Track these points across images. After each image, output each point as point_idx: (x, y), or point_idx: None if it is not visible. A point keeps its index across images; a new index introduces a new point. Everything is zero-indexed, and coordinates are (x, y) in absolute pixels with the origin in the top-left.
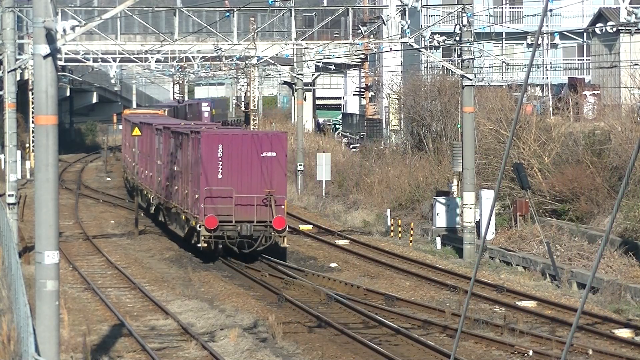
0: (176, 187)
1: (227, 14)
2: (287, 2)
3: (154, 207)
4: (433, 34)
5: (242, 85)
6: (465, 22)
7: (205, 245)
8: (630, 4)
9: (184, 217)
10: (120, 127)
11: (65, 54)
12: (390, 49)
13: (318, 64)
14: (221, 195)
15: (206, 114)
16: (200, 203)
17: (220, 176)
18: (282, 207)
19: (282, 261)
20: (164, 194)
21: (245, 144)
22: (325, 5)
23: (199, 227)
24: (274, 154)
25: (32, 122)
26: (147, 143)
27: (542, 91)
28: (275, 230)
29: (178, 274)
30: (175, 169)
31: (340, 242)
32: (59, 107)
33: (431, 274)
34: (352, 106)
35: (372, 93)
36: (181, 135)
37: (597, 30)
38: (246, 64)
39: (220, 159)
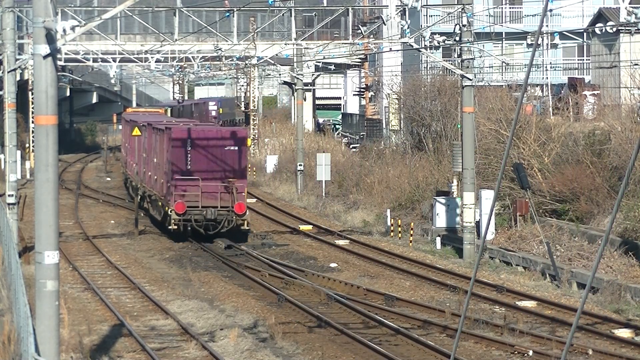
0: (155, 177)
1: (227, 14)
2: (287, 2)
3: (139, 196)
4: (433, 34)
5: (242, 85)
6: (465, 22)
7: (176, 227)
8: (630, 4)
9: (160, 204)
10: (120, 127)
11: (65, 54)
12: (390, 49)
13: (318, 64)
14: (189, 184)
15: (213, 113)
16: (172, 190)
17: (189, 167)
18: (243, 194)
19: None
20: (147, 184)
21: (211, 138)
22: (325, 5)
23: (170, 211)
24: (235, 147)
25: (32, 122)
26: (135, 138)
27: (542, 91)
28: (236, 214)
29: (178, 274)
30: (155, 161)
31: (340, 242)
32: (59, 107)
33: (431, 274)
34: (352, 106)
35: (372, 93)
36: (158, 131)
37: (597, 30)
38: (246, 64)
39: (189, 151)
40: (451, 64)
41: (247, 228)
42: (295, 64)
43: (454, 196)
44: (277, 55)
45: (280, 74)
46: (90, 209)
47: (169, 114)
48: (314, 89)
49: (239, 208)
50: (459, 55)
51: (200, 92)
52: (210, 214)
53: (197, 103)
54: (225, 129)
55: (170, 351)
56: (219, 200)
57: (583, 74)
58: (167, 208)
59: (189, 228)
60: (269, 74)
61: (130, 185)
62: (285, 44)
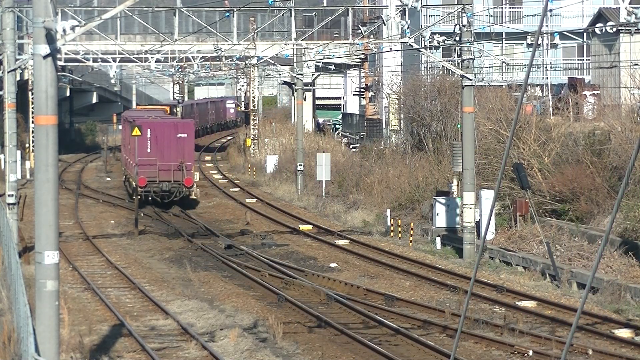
0: (129, 160)
1: (227, 14)
2: (287, 2)
3: (124, 177)
4: (433, 34)
5: (242, 85)
6: (465, 22)
7: (139, 197)
8: (630, 4)
9: (131, 180)
10: (120, 127)
11: (65, 54)
12: (390, 49)
13: (318, 64)
14: (149, 164)
15: (231, 110)
16: (136, 169)
17: (149, 150)
18: (191, 171)
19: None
20: (126, 167)
21: (166, 128)
22: (325, 5)
23: (135, 185)
24: (185, 135)
25: (32, 122)
26: (125, 131)
27: (542, 91)
28: (185, 187)
29: (178, 274)
30: (129, 147)
31: (340, 242)
32: (59, 107)
33: (431, 274)
34: (352, 106)
35: (372, 93)
36: (129, 123)
37: (597, 30)
38: (246, 64)
39: (149, 138)
40: (451, 64)
41: (194, 197)
42: (295, 64)
43: (454, 196)
44: (277, 55)
45: (280, 74)
46: (90, 209)
47: (180, 111)
48: (314, 89)
49: (188, 182)
50: (459, 55)
51: (200, 92)
52: (166, 186)
53: (214, 101)
54: (177, 120)
55: (170, 351)
56: (172, 176)
57: (583, 74)
58: (134, 183)
59: (150, 198)
60: (269, 74)
61: (123, 171)
62: (285, 44)
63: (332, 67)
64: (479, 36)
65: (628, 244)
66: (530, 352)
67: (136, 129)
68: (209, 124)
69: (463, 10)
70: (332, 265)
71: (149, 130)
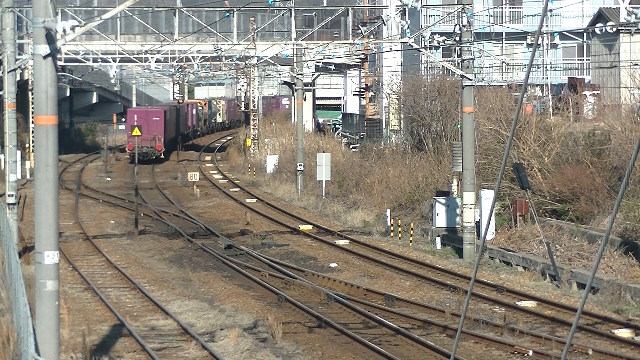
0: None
1: (227, 14)
2: (287, 2)
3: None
4: (433, 34)
5: (242, 85)
6: (465, 22)
7: (128, 157)
8: (630, 4)
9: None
10: (120, 127)
11: (65, 54)
12: (390, 49)
13: (318, 64)
14: (135, 137)
15: (287, 106)
16: (128, 140)
17: None
18: (162, 141)
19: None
20: None
21: (145, 114)
22: (325, 5)
23: (127, 149)
24: (158, 118)
25: (32, 122)
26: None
27: (542, 91)
28: (157, 150)
29: (178, 274)
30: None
31: (340, 242)
32: (59, 107)
33: (431, 274)
34: (352, 106)
35: (372, 93)
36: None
37: (597, 30)
38: (246, 64)
39: (135, 121)
40: (451, 64)
41: (162, 156)
42: (295, 64)
43: (454, 196)
44: (277, 55)
45: (280, 74)
46: (90, 209)
47: (224, 105)
48: (314, 89)
49: (158, 147)
50: (459, 55)
51: (200, 92)
52: (145, 150)
53: (269, 98)
54: (152, 109)
55: (170, 351)
56: (149, 144)
57: (583, 74)
58: (126, 149)
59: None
60: (269, 74)
61: None
62: (285, 44)
63: (332, 67)
64: (479, 36)
65: (628, 244)
66: (530, 352)
67: (136, 129)
68: None
69: (463, 10)
70: (332, 265)
71: (135, 115)
